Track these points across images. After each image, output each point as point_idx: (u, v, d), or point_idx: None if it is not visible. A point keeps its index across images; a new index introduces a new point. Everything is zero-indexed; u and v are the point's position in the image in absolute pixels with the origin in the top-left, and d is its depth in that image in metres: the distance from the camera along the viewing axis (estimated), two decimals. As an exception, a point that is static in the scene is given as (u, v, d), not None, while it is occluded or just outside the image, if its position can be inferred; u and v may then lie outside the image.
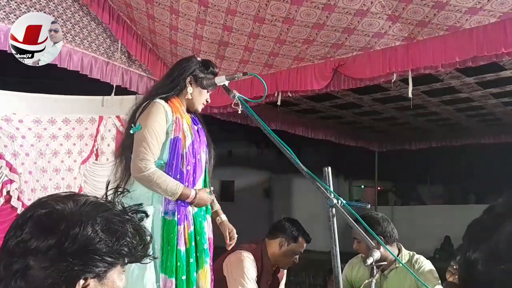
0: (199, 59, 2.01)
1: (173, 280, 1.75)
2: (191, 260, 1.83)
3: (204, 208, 1.96)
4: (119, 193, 0.87)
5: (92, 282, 0.76)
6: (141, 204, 0.89)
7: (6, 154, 3.10)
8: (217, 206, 2.20)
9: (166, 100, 1.89)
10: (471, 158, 9.65)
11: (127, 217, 0.82)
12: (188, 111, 1.98)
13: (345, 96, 4.87)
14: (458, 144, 6.83)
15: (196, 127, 1.98)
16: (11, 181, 3.10)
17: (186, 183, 1.84)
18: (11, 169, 3.11)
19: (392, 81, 3.28)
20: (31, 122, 3.23)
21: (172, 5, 3.07)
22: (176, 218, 1.78)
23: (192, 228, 1.87)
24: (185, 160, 1.85)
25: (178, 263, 1.77)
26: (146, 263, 0.88)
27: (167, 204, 1.79)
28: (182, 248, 1.79)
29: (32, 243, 0.73)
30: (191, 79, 1.93)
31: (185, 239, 1.81)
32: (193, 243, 1.85)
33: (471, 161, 10.22)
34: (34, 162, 3.23)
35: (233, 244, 2.16)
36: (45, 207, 0.77)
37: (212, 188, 2.06)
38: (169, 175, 1.80)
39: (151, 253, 0.88)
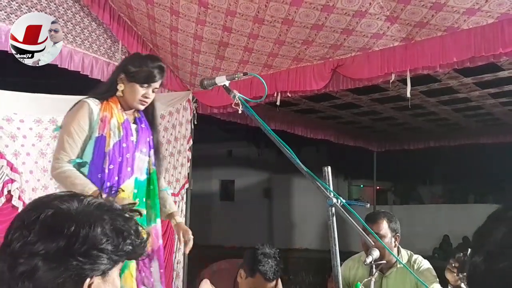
0: (142, 54, 2.00)
1: None
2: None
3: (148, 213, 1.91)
4: (112, 192, 0.89)
5: (96, 280, 0.78)
6: (135, 203, 0.91)
7: (7, 154, 3.11)
8: (173, 209, 2.13)
9: (103, 100, 1.87)
10: (469, 157, 9.67)
11: (127, 216, 0.84)
12: (145, 109, 1.94)
13: (344, 96, 4.89)
14: (456, 144, 6.85)
15: (135, 126, 1.93)
16: (12, 181, 3.11)
17: (108, 183, 1.80)
18: (12, 168, 3.12)
19: (391, 81, 3.29)
20: (32, 122, 3.24)
21: (172, 6, 3.09)
22: None
23: None
24: (107, 158, 1.82)
25: None
26: (140, 260, 0.91)
27: None
28: None
29: (39, 245, 0.74)
30: (123, 76, 1.90)
31: None
32: None
33: (470, 160, 10.24)
34: (35, 162, 3.24)
35: (189, 247, 2.01)
36: (51, 208, 0.78)
37: (169, 190, 2.02)
38: (93, 173, 1.78)
39: (146, 252, 0.90)
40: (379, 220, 2.26)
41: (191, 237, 2.03)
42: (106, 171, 1.82)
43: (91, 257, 0.76)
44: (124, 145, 1.88)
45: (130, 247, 0.82)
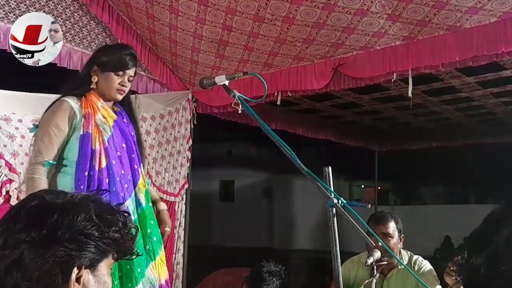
0: (112, 44, 1.97)
1: None
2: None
3: (144, 201, 1.87)
4: (101, 192, 0.89)
5: (85, 273, 0.77)
6: (122, 204, 0.91)
7: (6, 154, 3.09)
8: (155, 196, 2.10)
9: (81, 96, 1.82)
10: (471, 158, 9.65)
11: (115, 208, 0.85)
12: (121, 102, 1.90)
13: (345, 96, 4.87)
14: (458, 144, 6.82)
15: (119, 122, 1.89)
16: (10, 181, 3.09)
17: (107, 179, 1.76)
18: (11, 168, 3.10)
19: (392, 80, 3.28)
20: (31, 121, 3.22)
21: (171, 4, 3.07)
22: None
23: None
24: (96, 156, 1.77)
25: None
26: (131, 259, 0.89)
27: None
28: None
29: (23, 234, 0.74)
30: (95, 68, 1.86)
31: None
32: None
33: (472, 161, 10.22)
34: (34, 162, 3.22)
35: (164, 240, 1.99)
36: (36, 199, 0.79)
37: (148, 180, 1.98)
38: (79, 172, 1.74)
39: (137, 249, 0.89)
40: (388, 220, 2.27)
41: (168, 229, 2.00)
42: (97, 168, 1.76)
43: (77, 242, 0.76)
44: (116, 141, 1.84)
45: (118, 235, 0.81)
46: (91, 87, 1.86)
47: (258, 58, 3.46)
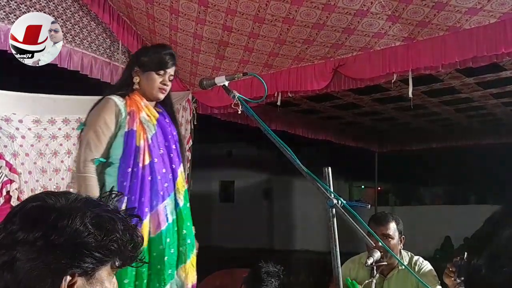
0: (151, 45, 2.00)
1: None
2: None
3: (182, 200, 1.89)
4: (113, 196, 0.86)
5: (79, 280, 0.74)
6: (135, 208, 0.88)
7: (6, 154, 3.10)
8: None
9: (125, 95, 1.85)
10: (471, 158, 9.65)
11: (118, 215, 0.81)
12: (163, 103, 1.94)
13: (345, 97, 4.87)
14: (458, 145, 6.82)
15: (162, 121, 1.92)
16: (11, 181, 3.10)
17: (150, 177, 1.79)
18: (11, 169, 3.11)
19: (392, 81, 3.28)
20: (31, 122, 3.23)
21: (172, 5, 3.07)
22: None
23: (163, 226, 1.80)
24: (140, 153, 1.79)
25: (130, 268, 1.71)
26: (137, 267, 0.87)
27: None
28: None
29: (19, 235, 0.73)
30: (137, 69, 1.90)
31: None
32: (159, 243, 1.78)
33: (472, 161, 10.22)
34: (34, 162, 3.22)
35: None
36: (36, 201, 0.77)
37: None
38: (123, 169, 1.77)
39: (142, 257, 0.85)
40: (389, 221, 2.27)
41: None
42: (140, 165, 1.78)
43: (69, 250, 0.73)
44: (160, 139, 1.86)
45: (115, 245, 0.77)
46: (133, 87, 1.90)
47: (258, 59, 3.46)
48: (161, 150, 1.86)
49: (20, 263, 0.72)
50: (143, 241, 0.85)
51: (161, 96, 1.92)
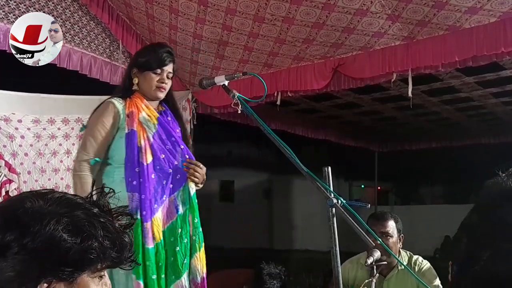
0: (149, 45, 2.03)
1: (140, 282, 1.73)
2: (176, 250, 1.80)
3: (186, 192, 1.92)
4: (105, 194, 0.82)
5: (58, 286, 0.71)
6: (127, 206, 0.87)
7: (5, 154, 3.09)
8: None
9: (126, 98, 1.90)
10: (471, 158, 9.64)
11: (101, 219, 0.76)
12: (165, 100, 1.96)
13: (345, 96, 4.87)
14: (458, 144, 6.82)
15: (162, 120, 1.94)
16: (10, 181, 3.09)
17: (153, 174, 1.83)
18: (10, 169, 3.11)
19: (392, 80, 3.27)
20: (30, 122, 3.23)
21: (171, 5, 3.07)
22: (139, 216, 1.76)
23: (174, 217, 1.84)
24: (143, 152, 1.83)
25: (147, 262, 1.75)
26: (128, 269, 0.82)
27: (130, 202, 1.77)
28: (151, 245, 1.76)
29: None
30: (135, 70, 1.93)
31: (153, 235, 1.78)
32: (169, 237, 1.82)
33: (471, 160, 10.20)
34: (33, 162, 3.22)
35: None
36: (12, 203, 0.75)
37: None
38: (129, 169, 1.81)
39: (131, 258, 0.81)
40: (387, 219, 2.27)
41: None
42: (145, 164, 1.81)
43: (42, 256, 0.69)
44: (164, 137, 1.89)
45: (94, 252, 0.72)
46: (133, 89, 1.92)
47: (258, 58, 3.46)
48: (168, 146, 1.90)
49: None
50: (130, 244, 0.80)
51: (161, 95, 1.93)
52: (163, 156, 1.86)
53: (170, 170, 1.87)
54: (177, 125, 2.00)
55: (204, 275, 1.90)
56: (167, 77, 1.92)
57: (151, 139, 1.86)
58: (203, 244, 1.92)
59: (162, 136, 1.89)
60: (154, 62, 1.88)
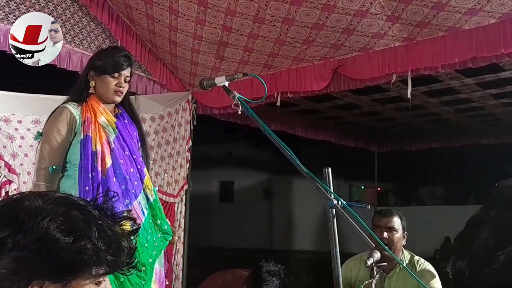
0: (106, 48, 2.03)
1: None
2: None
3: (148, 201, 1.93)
4: (109, 197, 0.81)
5: (52, 286, 0.70)
6: (130, 211, 0.85)
7: (5, 155, 3.09)
8: None
9: (82, 101, 1.89)
10: (471, 158, 9.65)
11: (99, 221, 0.73)
12: (121, 103, 1.96)
13: (345, 97, 4.87)
14: (458, 145, 6.81)
15: (119, 124, 1.94)
16: (9, 182, 3.09)
17: (114, 178, 1.82)
18: (10, 169, 3.10)
19: (392, 81, 3.27)
20: (30, 122, 3.22)
21: (171, 6, 3.07)
22: None
23: (142, 219, 1.86)
24: (98, 157, 1.82)
25: None
26: (128, 275, 0.79)
27: None
28: None
29: None
30: (92, 73, 1.92)
31: None
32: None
33: (471, 161, 10.21)
34: (33, 163, 3.21)
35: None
36: (11, 200, 0.74)
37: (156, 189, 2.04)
38: (83, 174, 1.80)
39: (132, 263, 0.78)
40: (393, 215, 2.30)
41: (176, 238, 2.13)
42: (99, 169, 1.81)
43: (35, 254, 0.68)
44: (121, 141, 1.89)
45: (88, 252, 0.70)
46: (90, 92, 1.91)
47: (258, 59, 3.46)
48: (126, 152, 1.90)
49: None
50: (128, 249, 0.77)
51: (117, 99, 1.93)
52: (122, 161, 1.87)
53: (128, 177, 1.87)
54: (134, 127, 2.00)
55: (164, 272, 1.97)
56: (125, 81, 1.92)
57: (112, 144, 1.86)
58: (167, 243, 1.96)
59: (121, 142, 1.90)
60: (111, 66, 1.88)
